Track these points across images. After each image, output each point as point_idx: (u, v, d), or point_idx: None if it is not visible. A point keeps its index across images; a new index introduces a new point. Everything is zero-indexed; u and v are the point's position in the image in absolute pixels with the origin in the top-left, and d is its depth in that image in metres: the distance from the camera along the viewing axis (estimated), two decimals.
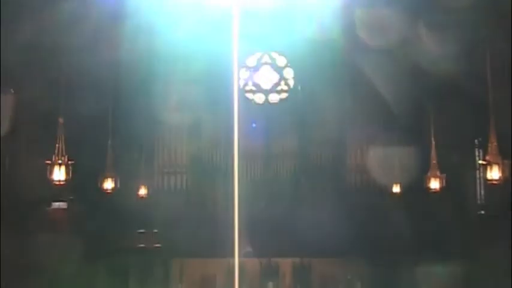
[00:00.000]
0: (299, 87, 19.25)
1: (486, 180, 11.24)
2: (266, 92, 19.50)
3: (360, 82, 17.76)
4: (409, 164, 15.91)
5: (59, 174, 11.90)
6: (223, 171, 17.83)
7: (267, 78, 19.54)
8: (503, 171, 10.74)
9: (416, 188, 15.46)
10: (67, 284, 14.61)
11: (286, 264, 17.58)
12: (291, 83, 19.52)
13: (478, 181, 16.98)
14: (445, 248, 15.83)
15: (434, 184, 14.18)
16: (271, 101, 19.47)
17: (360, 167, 18.19)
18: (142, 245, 17.04)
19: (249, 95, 19.42)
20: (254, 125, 18.40)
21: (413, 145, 16.28)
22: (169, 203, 17.81)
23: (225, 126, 17.97)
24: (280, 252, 17.45)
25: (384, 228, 16.94)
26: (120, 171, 15.42)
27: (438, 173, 14.07)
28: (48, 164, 11.86)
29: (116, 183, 14.91)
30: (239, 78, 19.02)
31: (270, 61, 19.63)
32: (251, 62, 19.56)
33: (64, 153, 11.91)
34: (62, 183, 12.10)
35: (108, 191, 14.92)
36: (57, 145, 11.87)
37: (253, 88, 19.49)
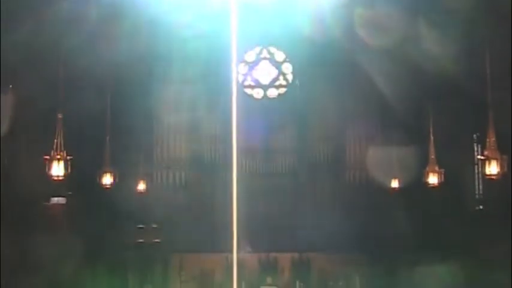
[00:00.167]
0: (297, 82, 19.25)
1: (484, 175, 11.23)
2: (265, 87, 19.50)
3: (358, 77, 17.76)
4: (407, 160, 15.92)
5: (57, 169, 11.88)
6: (222, 166, 17.83)
7: (265, 73, 19.53)
8: (501, 167, 10.74)
9: (415, 183, 15.48)
10: (66, 279, 14.61)
11: (285, 259, 17.61)
12: (290, 78, 19.50)
13: (476, 176, 16.99)
14: (444, 243, 15.86)
15: (433, 179, 14.19)
16: (269, 96, 19.47)
17: (359, 162, 18.20)
18: (141, 240, 17.05)
19: (248, 90, 19.41)
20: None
21: (412, 141, 16.29)
22: (168, 198, 17.83)
23: (223, 122, 17.99)
24: (279, 247, 17.49)
25: (382, 224, 16.96)
26: (119, 166, 15.41)
27: (437, 168, 14.08)
28: (46, 159, 11.85)
29: (114, 179, 14.90)
30: (238, 73, 19.02)
31: (268, 56, 19.62)
32: (250, 57, 19.54)
33: (63, 148, 11.89)
34: (60, 178, 12.08)
35: (107, 186, 14.92)
36: (55, 140, 11.85)
37: (252, 83, 19.49)
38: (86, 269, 15.89)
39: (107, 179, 14.86)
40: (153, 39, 16.68)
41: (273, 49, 19.60)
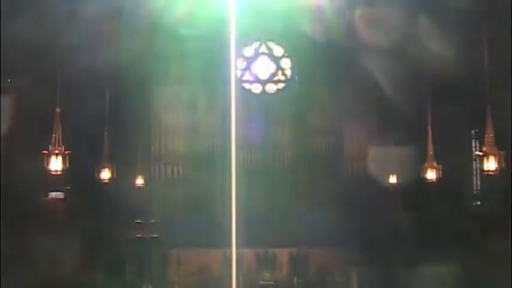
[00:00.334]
0: (296, 78, 19.24)
1: (482, 171, 11.24)
2: (263, 82, 19.49)
3: (356, 73, 17.76)
4: (405, 155, 15.93)
5: (55, 164, 11.87)
6: (220, 161, 17.83)
7: (264, 68, 19.52)
8: (499, 162, 10.75)
9: (413, 178, 15.49)
10: (64, 274, 14.61)
11: (283, 254, 17.64)
12: (288, 73, 19.49)
13: (474, 172, 17.00)
14: (441, 238, 15.88)
15: (431, 175, 14.19)
16: (268, 91, 19.46)
17: (357, 157, 18.22)
18: (139, 235, 17.05)
19: (246, 85, 19.40)
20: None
21: (410, 136, 16.30)
22: (166, 193, 17.84)
23: (222, 116, 17.99)
24: (277, 242, 17.50)
25: (380, 218, 16.98)
26: (117, 161, 15.40)
27: (435, 164, 14.08)
28: (45, 154, 11.83)
29: (112, 174, 14.89)
30: (236, 68, 19.01)
31: (267, 51, 19.60)
32: (248, 52, 19.52)
33: (61, 143, 11.87)
34: (58, 173, 12.07)
35: (105, 181, 14.91)
36: (54, 135, 11.83)
37: (251, 78, 19.48)
38: (84, 264, 15.89)
39: (105, 174, 14.84)
40: (151, 35, 16.66)
41: (271, 44, 19.59)
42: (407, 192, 16.41)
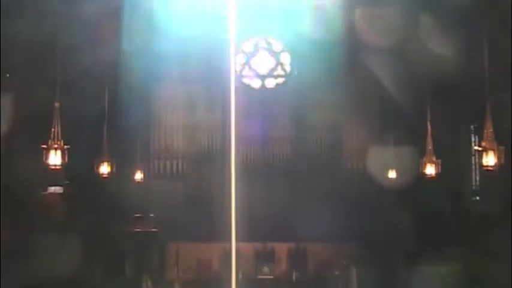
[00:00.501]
0: (295, 72, 19.22)
1: (481, 166, 11.23)
2: (263, 77, 19.47)
3: (356, 68, 17.76)
4: (405, 150, 15.93)
5: (54, 158, 11.86)
6: (219, 155, 17.84)
7: (263, 63, 19.50)
8: (498, 158, 10.74)
9: (412, 173, 15.49)
10: (63, 268, 14.63)
11: (282, 249, 17.67)
12: (288, 68, 19.48)
13: (473, 167, 17.01)
14: (440, 234, 15.91)
15: (430, 170, 14.19)
16: (267, 86, 19.45)
17: (356, 153, 18.23)
18: (138, 229, 17.07)
19: (246, 80, 19.39)
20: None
21: (409, 131, 16.30)
22: (166, 188, 17.85)
23: (221, 112, 17.99)
24: (276, 237, 17.52)
25: (379, 214, 17.01)
26: (116, 155, 15.39)
27: (434, 159, 14.07)
28: (44, 148, 11.82)
29: (112, 168, 14.88)
30: (236, 63, 18.98)
31: (266, 46, 19.58)
32: (247, 47, 19.50)
33: (60, 137, 11.86)
34: (57, 167, 12.05)
35: (104, 176, 14.90)
36: (53, 129, 11.82)
37: (250, 73, 19.45)
38: (83, 259, 15.91)
39: (104, 169, 14.83)
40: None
41: (270, 39, 19.56)
42: (406, 187, 16.41)
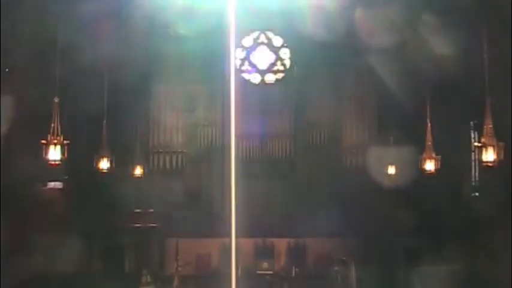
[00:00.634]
0: (295, 68, 19.20)
1: (481, 162, 11.21)
2: (262, 72, 19.45)
3: (356, 63, 17.73)
4: (404, 146, 15.93)
5: (54, 154, 11.85)
6: (219, 151, 17.84)
7: (263, 58, 19.48)
8: (498, 154, 10.73)
9: (411, 169, 15.49)
10: (62, 263, 14.65)
11: (281, 244, 17.69)
12: (287, 63, 19.46)
13: (473, 163, 17.01)
14: (439, 229, 15.93)
15: (430, 166, 14.19)
16: (267, 81, 19.44)
17: (356, 147, 18.24)
18: (138, 225, 17.08)
19: (245, 75, 19.37)
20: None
21: (409, 126, 16.30)
22: (165, 183, 17.86)
23: (220, 106, 17.98)
24: (275, 232, 17.54)
25: (378, 209, 17.02)
26: (116, 151, 15.39)
27: (433, 155, 14.06)
28: (43, 143, 11.81)
29: (111, 163, 14.88)
30: (235, 58, 18.96)
31: (266, 41, 19.56)
32: (247, 42, 19.47)
33: (59, 133, 11.85)
34: (57, 163, 12.05)
35: (104, 171, 14.90)
36: (52, 125, 11.80)
37: (250, 68, 19.44)
38: (82, 254, 15.93)
39: (104, 164, 14.82)
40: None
41: (270, 34, 19.54)
42: (405, 182, 16.41)
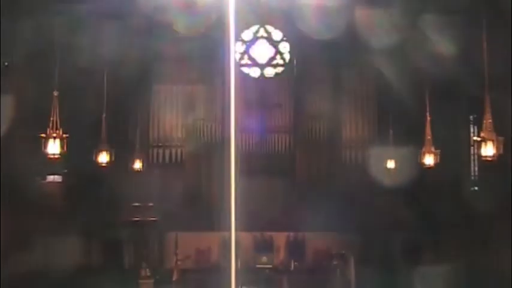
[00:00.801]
0: (295, 62, 19.17)
1: (480, 156, 11.21)
2: (262, 66, 19.42)
3: (355, 56, 17.71)
4: (404, 140, 15.93)
5: (53, 147, 11.84)
6: (219, 145, 17.83)
7: (262, 52, 19.45)
8: (497, 148, 10.72)
9: (410, 163, 15.49)
10: (62, 257, 14.67)
11: (280, 238, 17.71)
12: (287, 57, 19.43)
13: (472, 158, 17.01)
14: (439, 224, 15.94)
15: (429, 160, 14.19)
16: (266, 75, 19.41)
17: (355, 142, 18.23)
18: (137, 218, 17.09)
19: (245, 69, 19.34)
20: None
21: (408, 121, 16.29)
22: (164, 177, 17.85)
23: (220, 100, 17.95)
24: (274, 226, 17.55)
25: (377, 203, 17.03)
26: (115, 144, 15.38)
27: (433, 149, 14.06)
28: (42, 137, 11.80)
29: (110, 157, 14.87)
30: (235, 52, 18.92)
31: (265, 35, 19.52)
32: (247, 35, 19.43)
33: (59, 126, 11.84)
34: (56, 156, 12.04)
35: (103, 165, 14.89)
36: (51, 118, 11.79)
37: (249, 62, 19.41)
38: (82, 247, 15.95)
39: (103, 158, 14.81)
40: (148, 17, 16.57)
41: (270, 28, 19.50)
42: (404, 177, 16.42)
